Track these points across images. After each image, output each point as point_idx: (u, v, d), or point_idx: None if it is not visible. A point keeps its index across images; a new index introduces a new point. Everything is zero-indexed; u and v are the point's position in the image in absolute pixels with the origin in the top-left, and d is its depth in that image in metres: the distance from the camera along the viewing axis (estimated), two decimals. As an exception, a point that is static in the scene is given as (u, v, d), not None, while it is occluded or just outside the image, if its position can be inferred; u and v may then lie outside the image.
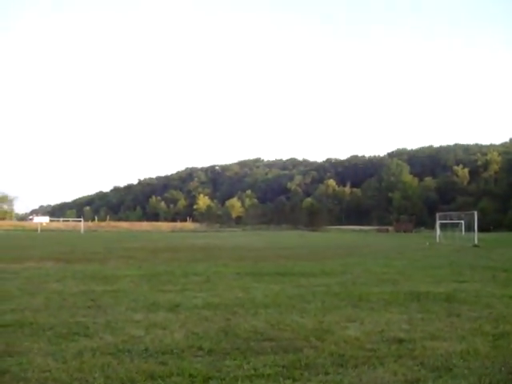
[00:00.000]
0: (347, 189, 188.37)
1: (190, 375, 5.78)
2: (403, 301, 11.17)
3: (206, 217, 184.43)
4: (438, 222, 55.59)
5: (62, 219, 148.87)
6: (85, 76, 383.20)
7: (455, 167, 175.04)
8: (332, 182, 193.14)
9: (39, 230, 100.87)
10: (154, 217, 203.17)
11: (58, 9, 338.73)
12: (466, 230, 51.58)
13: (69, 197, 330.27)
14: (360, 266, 20.28)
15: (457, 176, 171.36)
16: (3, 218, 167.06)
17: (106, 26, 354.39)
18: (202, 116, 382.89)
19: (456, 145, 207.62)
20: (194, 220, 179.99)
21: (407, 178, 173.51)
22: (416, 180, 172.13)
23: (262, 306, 10.25)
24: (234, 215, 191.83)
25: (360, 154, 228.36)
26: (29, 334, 7.81)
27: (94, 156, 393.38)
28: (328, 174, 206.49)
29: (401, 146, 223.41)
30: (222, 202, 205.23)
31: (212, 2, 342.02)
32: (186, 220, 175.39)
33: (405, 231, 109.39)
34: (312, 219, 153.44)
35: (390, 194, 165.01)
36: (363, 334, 7.87)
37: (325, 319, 9.01)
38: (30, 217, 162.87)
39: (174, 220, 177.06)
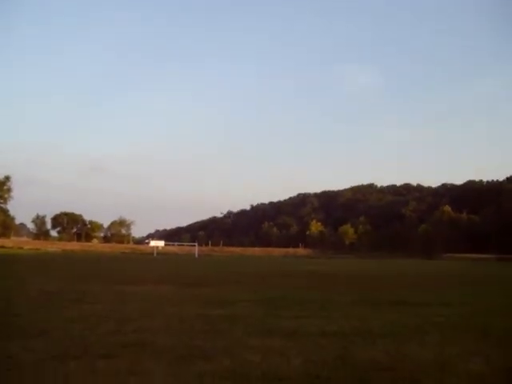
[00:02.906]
0: (464, 215, 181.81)
1: (309, 403, 5.74)
2: (533, 336, 10.58)
3: (319, 243, 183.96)
4: None
5: (176, 243, 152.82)
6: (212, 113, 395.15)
7: None
8: (448, 208, 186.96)
9: (155, 253, 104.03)
10: (267, 242, 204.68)
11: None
12: None
13: (183, 222, 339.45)
14: (481, 297, 19.47)
15: None
16: (121, 241, 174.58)
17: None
18: (315, 141, 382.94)
19: None
20: (307, 246, 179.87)
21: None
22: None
23: (380, 335, 10.02)
24: (347, 242, 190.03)
25: (477, 179, 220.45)
26: (150, 354, 8.02)
27: (208, 182, 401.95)
28: (443, 200, 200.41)
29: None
30: (335, 227, 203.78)
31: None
32: (298, 246, 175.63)
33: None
34: (427, 246, 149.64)
35: (509, 221, 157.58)
36: (488, 370, 7.48)
37: (445, 351, 8.66)
38: (147, 240, 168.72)
39: (286, 246, 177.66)
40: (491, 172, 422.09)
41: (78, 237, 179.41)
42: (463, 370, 7.39)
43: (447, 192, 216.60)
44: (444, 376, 7.03)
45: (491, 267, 64.86)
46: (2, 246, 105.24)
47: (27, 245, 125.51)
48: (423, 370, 7.33)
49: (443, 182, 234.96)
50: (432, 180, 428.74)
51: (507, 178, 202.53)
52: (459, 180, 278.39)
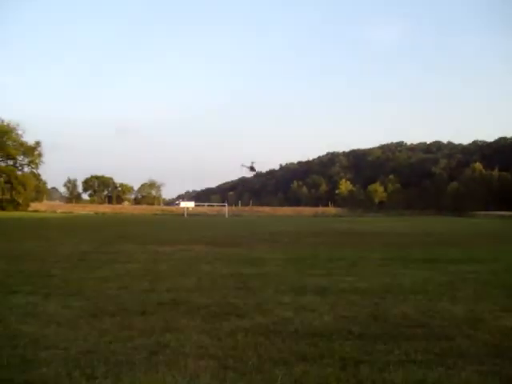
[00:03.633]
0: (495, 172, 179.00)
1: (341, 358, 5.80)
2: None
3: (348, 202, 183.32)
4: None
5: (206, 204, 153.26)
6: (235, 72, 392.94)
7: None
8: (479, 166, 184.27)
9: (185, 214, 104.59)
10: (296, 201, 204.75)
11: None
12: None
13: (213, 182, 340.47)
14: (512, 254, 19.37)
15: None
16: (152, 203, 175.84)
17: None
18: (343, 100, 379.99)
19: None
20: (336, 205, 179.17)
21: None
22: None
23: (411, 292, 10.07)
24: (376, 200, 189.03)
25: (509, 136, 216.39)
26: (184, 312, 8.18)
27: (236, 142, 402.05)
28: (474, 157, 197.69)
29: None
30: (364, 186, 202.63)
31: None
32: (327, 205, 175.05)
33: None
34: (457, 204, 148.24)
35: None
36: (521, 326, 7.52)
37: (476, 308, 8.70)
38: (177, 202, 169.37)
39: (315, 205, 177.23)
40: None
41: (109, 199, 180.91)
42: (495, 326, 7.41)
43: (478, 149, 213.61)
44: (476, 332, 7.05)
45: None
46: (36, 210, 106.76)
47: (60, 208, 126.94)
48: (455, 327, 7.37)
49: (474, 138, 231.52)
50: (463, 137, 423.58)
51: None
52: (490, 137, 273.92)
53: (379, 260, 16.37)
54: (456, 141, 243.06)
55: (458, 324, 7.52)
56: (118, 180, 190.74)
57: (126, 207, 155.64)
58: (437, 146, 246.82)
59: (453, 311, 8.41)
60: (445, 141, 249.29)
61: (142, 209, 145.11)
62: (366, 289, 10.41)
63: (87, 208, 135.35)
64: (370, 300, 9.21)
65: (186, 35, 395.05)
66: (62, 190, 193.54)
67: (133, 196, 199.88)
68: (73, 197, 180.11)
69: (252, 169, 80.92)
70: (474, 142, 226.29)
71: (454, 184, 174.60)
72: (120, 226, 46.45)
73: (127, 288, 10.42)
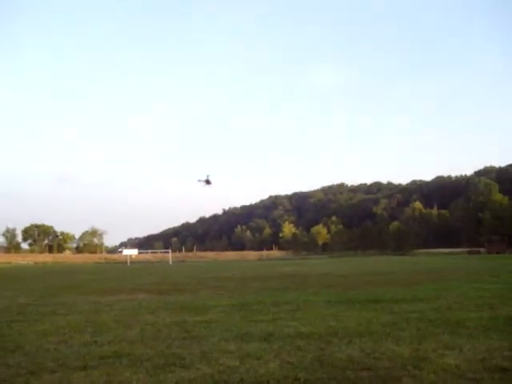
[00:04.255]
0: (434, 211, 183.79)
1: (289, 406, 5.74)
2: (503, 326, 10.69)
3: (292, 244, 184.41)
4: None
5: (150, 251, 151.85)
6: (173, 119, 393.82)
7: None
8: (418, 205, 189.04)
9: (129, 262, 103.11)
10: (240, 246, 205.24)
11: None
12: None
13: (156, 229, 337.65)
14: (453, 291, 19.60)
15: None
16: (94, 251, 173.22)
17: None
18: (284, 144, 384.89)
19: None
20: (280, 248, 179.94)
21: (497, 197, 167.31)
22: (506, 199, 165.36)
23: (356, 334, 10.07)
24: (319, 242, 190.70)
25: (446, 175, 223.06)
26: (127, 364, 7.96)
27: (179, 188, 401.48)
28: (414, 197, 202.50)
29: (488, 164, 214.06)
30: (307, 228, 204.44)
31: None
32: (271, 248, 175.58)
33: (497, 252, 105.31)
34: (399, 243, 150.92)
35: (479, 215, 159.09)
36: (463, 362, 7.59)
37: (421, 347, 8.76)
38: (120, 249, 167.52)
39: (259, 248, 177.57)
40: (460, 167, 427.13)
41: (50, 248, 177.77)
42: (440, 365, 7.46)
43: (417, 188, 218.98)
44: (422, 372, 7.09)
45: (463, 261, 65.42)
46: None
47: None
48: (401, 367, 7.38)
49: (413, 178, 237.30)
50: (402, 177, 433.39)
51: (475, 172, 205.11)
52: (428, 176, 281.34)
53: (323, 302, 16.32)
54: (395, 181, 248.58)
55: (404, 364, 7.54)
56: (58, 228, 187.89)
57: (68, 256, 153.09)
58: (377, 186, 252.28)
59: (398, 352, 8.42)
60: (384, 181, 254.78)
61: (84, 257, 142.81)
62: (311, 333, 10.35)
63: (27, 258, 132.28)
64: (315, 344, 9.16)
65: (127, 81, 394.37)
66: (0, 239, 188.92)
67: (74, 244, 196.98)
68: (12, 246, 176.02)
69: (208, 182, 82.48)
70: (413, 182, 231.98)
71: (395, 223, 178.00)
72: (61, 276, 45.43)
73: (67, 342, 10.11)
